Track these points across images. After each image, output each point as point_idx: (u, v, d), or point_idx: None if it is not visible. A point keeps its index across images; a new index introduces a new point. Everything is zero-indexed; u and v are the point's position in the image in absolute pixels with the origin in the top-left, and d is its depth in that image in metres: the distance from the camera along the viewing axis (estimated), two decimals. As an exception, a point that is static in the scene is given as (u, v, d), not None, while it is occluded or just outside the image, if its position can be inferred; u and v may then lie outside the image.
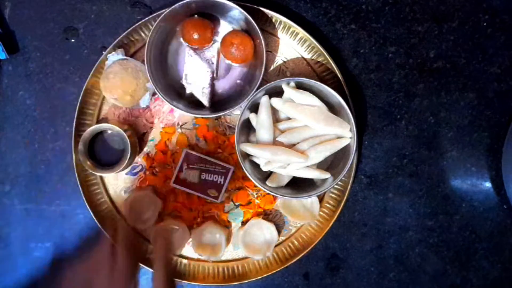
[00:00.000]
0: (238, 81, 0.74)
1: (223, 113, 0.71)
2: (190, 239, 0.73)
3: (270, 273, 0.73)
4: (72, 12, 0.76)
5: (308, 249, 0.73)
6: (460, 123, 0.75)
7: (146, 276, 0.75)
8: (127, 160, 0.70)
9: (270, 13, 0.72)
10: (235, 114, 0.74)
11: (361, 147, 0.75)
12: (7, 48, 0.75)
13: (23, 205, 0.76)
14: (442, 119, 0.75)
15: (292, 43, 0.74)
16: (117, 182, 0.75)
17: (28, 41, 0.76)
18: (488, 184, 0.75)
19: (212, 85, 0.73)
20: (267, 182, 0.70)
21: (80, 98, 0.72)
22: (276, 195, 0.68)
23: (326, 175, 0.69)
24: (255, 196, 0.74)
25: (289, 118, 0.71)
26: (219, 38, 0.73)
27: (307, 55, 0.74)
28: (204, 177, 0.68)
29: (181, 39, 0.72)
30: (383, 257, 0.76)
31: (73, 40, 0.76)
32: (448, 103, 0.75)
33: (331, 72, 0.73)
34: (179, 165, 0.69)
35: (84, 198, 0.72)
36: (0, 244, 0.76)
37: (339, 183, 0.73)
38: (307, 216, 0.73)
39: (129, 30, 0.72)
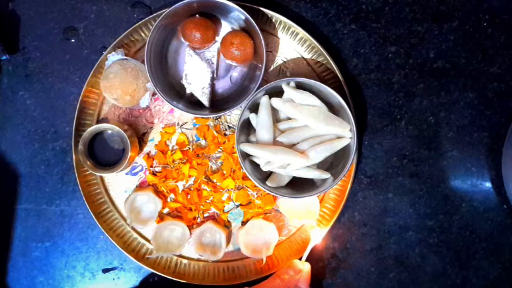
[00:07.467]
0: (238, 81, 0.74)
1: (223, 113, 0.71)
2: (190, 239, 0.73)
3: (271, 273, 0.73)
4: (72, 12, 0.76)
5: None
6: (460, 123, 0.75)
7: (145, 276, 0.76)
8: (127, 160, 0.70)
9: (270, 13, 0.72)
10: (235, 114, 0.74)
11: (361, 147, 0.75)
12: (7, 48, 0.74)
13: (23, 205, 0.76)
14: (442, 119, 0.75)
15: (292, 43, 0.74)
16: (117, 182, 0.75)
17: (28, 41, 0.76)
18: (488, 184, 0.75)
19: (212, 85, 0.73)
20: (267, 182, 0.69)
21: (80, 98, 0.72)
22: (276, 195, 0.68)
23: (326, 175, 0.69)
24: (255, 196, 0.74)
25: (289, 118, 0.71)
26: (219, 38, 0.73)
27: (307, 55, 0.74)
28: None
29: (182, 39, 0.72)
30: (383, 257, 0.75)
31: (73, 40, 0.76)
32: (448, 103, 0.75)
33: (331, 72, 0.73)
34: None
35: (84, 198, 0.72)
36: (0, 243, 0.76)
37: (339, 183, 0.73)
38: (307, 216, 0.73)
39: (129, 30, 0.72)
